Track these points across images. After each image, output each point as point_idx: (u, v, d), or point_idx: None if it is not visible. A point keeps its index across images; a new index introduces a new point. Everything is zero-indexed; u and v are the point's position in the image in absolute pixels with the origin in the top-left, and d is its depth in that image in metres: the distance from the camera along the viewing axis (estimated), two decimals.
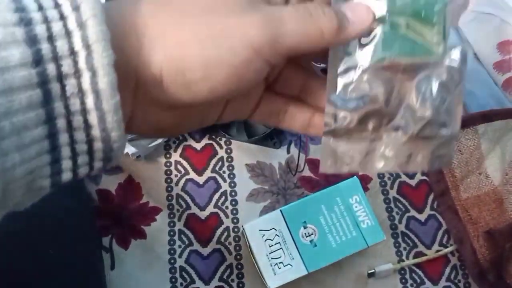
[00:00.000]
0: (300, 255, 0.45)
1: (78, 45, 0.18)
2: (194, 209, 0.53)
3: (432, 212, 0.53)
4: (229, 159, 0.54)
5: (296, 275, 0.45)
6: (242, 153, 0.54)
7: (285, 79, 0.28)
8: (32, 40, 0.18)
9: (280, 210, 0.46)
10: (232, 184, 0.54)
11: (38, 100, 0.18)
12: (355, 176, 0.47)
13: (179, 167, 0.54)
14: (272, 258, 0.45)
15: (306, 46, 0.23)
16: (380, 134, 0.27)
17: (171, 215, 0.53)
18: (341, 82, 0.26)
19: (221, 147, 0.55)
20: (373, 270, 0.50)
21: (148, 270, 0.51)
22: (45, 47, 0.18)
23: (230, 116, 0.28)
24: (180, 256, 0.51)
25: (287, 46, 0.22)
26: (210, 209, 0.53)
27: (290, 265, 0.45)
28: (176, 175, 0.54)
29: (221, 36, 0.21)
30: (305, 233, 0.45)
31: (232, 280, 0.51)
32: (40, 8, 0.18)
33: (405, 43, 0.25)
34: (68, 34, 0.18)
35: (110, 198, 0.53)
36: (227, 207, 0.53)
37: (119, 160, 0.23)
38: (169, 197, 0.53)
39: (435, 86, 0.26)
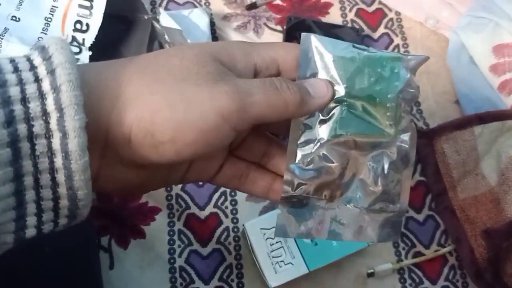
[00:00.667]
0: (301, 253, 0.45)
1: (50, 107, 0.19)
2: (194, 209, 0.53)
3: (430, 213, 0.54)
4: None
5: (297, 274, 0.45)
6: None
7: (248, 145, 0.30)
8: (5, 102, 0.18)
9: None
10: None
11: (7, 159, 0.18)
12: None
13: None
14: (273, 257, 0.45)
15: (271, 116, 0.24)
16: (334, 204, 0.29)
17: (171, 215, 0.52)
18: (300, 153, 0.28)
19: None
20: (372, 270, 0.51)
21: (148, 270, 0.51)
22: (18, 108, 0.18)
23: (193, 177, 0.29)
24: (179, 256, 0.51)
25: (254, 115, 0.24)
26: (210, 209, 0.53)
27: (291, 263, 0.45)
28: None
29: (192, 103, 0.22)
30: None
31: (232, 280, 0.51)
32: (16, 70, 0.19)
33: (361, 123, 0.28)
34: (41, 96, 0.19)
35: (110, 197, 0.52)
36: (226, 207, 0.53)
37: (84, 217, 0.24)
38: (169, 197, 0.53)
39: (386, 164, 0.29)
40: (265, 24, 0.60)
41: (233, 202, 0.53)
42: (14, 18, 0.50)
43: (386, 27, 0.61)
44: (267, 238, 0.45)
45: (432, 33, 0.60)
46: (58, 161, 0.19)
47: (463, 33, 0.58)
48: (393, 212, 0.30)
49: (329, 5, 0.61)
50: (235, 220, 0.53)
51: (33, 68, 0.19)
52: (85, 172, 0.20)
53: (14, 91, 0.18)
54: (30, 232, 0.21)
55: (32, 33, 0.51)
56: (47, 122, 0.19)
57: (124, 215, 0.52)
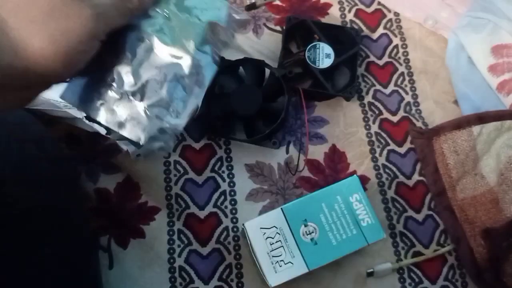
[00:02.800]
0: (301, 253, 0.45)
1: None
2: (193, 209, 0.53)
3: (430, 212, 0.54)
4: (228, 159, 0.55)
5: (297, 273, 0.45)
6: (241, 153, 0.55)
7: None
8: None
9: (281, 208, 0.46)
10: (231, 184, 0.54)
11: None
12: (355, 175, 0.48)
13: (178, 166, 0.54)
14: (273, 256, 0.45)
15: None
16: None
17: (170, 215, 0.52)
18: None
19: (220, 147, 0.55)
20: (372, 270, 0.51)
21: (147, 269, 0.50)
22: None
23: None
24: (179, 255, 0.51)
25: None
26: (209, 208, 0.53)
27: (291, 263, 0.45)
28: (175, 175, 0.54)
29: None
30: (305, 231, 0.46)
31: (232, 280, 0.51)
32: None
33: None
34: None
35: (109, 197, 0.52)
36: (226, 207, 0.53)
37: None
38: (168, 197, 0.53)
39: (177, 75, 0.33)
40: (264, 24, 0.60)
41: (232, 202, 0.53)
42: None
43: (385, 27, 0.61)
44: (267, 238, 0.45)
45: (431, 33, 0.61)
46: None
47: (462, 34, 0.58)
48: (169, 123, 0.33)
49: (328, 5, 0.61)
50: (234, 220, 0.53)
51: None
52: None
53: None
54: None
55: None
56: None
57: (124, 215, 0.52)
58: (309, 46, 0.54)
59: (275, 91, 0.53)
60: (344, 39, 0.57)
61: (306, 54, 0.54)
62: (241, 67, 0.54)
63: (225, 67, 0.52)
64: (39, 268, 0.40)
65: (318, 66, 0.54)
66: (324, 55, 0.55)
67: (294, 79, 0.54)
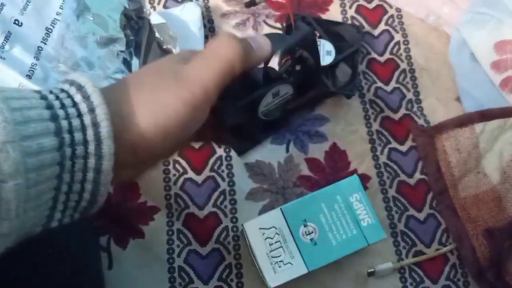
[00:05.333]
0: (300, 253, 0.45)
1: (90, 137, 0.25)
2: (193, 209, 0.52)
3: (431, 211, 0.53)
4: (228, 158, 0.54)
5: (296, 274, 0.44)
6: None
7: None
8: (58, 132, 0.24)
9: (280, 209, 0.46)
10: (231, 183, 0.53)
11: (55, 173, 0.24)
12: (355, 174, 0.47)
13: (177, 166, 0.54)
14: (272, 257, 0.45)
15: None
16: None
17: (170, 215, 0.52)
18: None
19: (219, 146, 0.55)
20: (373, 269, 0.50)
21: (147, 270, 0.50)
22: (66, 137, 0.24)
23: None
24: (178, 255, 0.51)
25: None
26: (209, 208, 0.52)
27: (291, 263, 0.44)
28: (174, 174, 0.53)
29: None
30: (305, 232, 0.45)
31: (231, 280, 0.50)
32: (62, 106, 0.25)
33: None
34: (83, 128, 0.25)
35: (108, 197, 0.52)
36: (226, 206, 0.53)
37: (100, 205, 0.28)
38: (167, 196, 0.53)
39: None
40: (264, 21, 0.59)
41: (232, 202, 0.53)
42: (16, 22, 0.50)
43: (386, 23, 0.60)
44: (266, 238, 0.45)
45: (433, 29, 0.60)
46: (91, 162, 0.25)
47: (464, 30, 0.57)
48: None
49: (329, 1, 0.61)
50: (234, 220, 0.52)
51: (75, 104, 0.25)
52: (111, 160, 0.25)
53: (64, 124, 0.24)
54: (54, 223, 0.26)
55: (33, 41, 0.51)
56: (86, 147, 0.25)
57: (123, 215, 0.52)
58: None
59: None
60: (345, 35, 0.56)
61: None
62: None
63: None
64: (44, 269, 0.40)
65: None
66: (325, 52, 0.54)
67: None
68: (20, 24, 0.50)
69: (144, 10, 0.57)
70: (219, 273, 0.51)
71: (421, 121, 0.56)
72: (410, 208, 0.53)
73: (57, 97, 0.25)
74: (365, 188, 0.54)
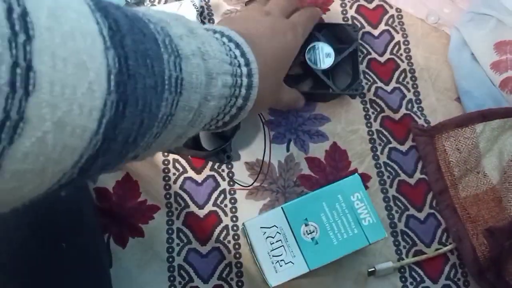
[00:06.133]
0: (301, 252, 0.45)
1: (245, 82, 0.36)
2: (193, 208, 0.52)
3: (431, 211, 0.53)
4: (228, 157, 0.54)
5: (297, 273, 0.44)
6: (241, 151, 0.54)
7: None
8: (235, 76, 0.35)
9: (282, 207, 0.46)
10: (231, 183, 0.53)
11: (231, 83, 0.35)
12: (356, 174, 0.47)
13: (177, 165, 0.54)
14: (273, 256, 0.44)
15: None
16: None
17: (169, 214, 0.52)
18: None
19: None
20: (373, 269, 0.50)
21: (146, 268, 0.50)
22: (238, 80, 0.36)
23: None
24: (178, 254, 0.51)
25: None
26: (209, 207, 0.52)
27: (292, 262, 0.44)
28: (174, 173, 0.53)
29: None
30: (306, 231, 0.45)
31: (231, 279, 0.50)
32: (239, 65, 0.36)
33: None
34: (242, 76, 0.36)
35: (108, 196, 0.52)
36: (226, 205, 0.52)
37: (248, 111, 0.38)
38: (167, 195, 0.52)
39: None
40: None
41: (232, 200, 0.53)
42: None
43: (387, 23, 0.60)
44: (267, 237, 0.45)
45: (434, 29, 0.60)
46: (243, 92, 0.37)
47: (464, 30, 0.58)
48: None
49: (329, 1, 0.61)
50: (234, 219, 0.52)
51: (247, 64, 0.36)
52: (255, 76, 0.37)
53: (236, 70, 0.35)
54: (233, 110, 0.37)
55: None
56: (241, 90, 0.36)
57: (123, 214, 0.51)
58: (308, 48, 0.53)
59: None
60: (342, 36, 0.56)
61: (306, 56, 0.53)
62: None
63: None
64: (57, 262, 0.41)
65: (320, 66, 0.53)
66: (324, 55, 0.54)
67: (293, 80, 0.53)
68: None
69: (145, 5, 0.57)
70: (219, 272, 0.50)
71: (421, 121, 0.56)
72: (410, 208, 0.53)
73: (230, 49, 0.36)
74: (366, 187, 0.53)
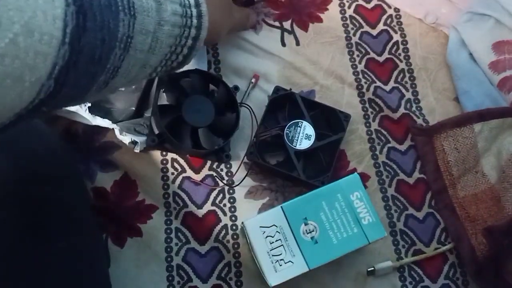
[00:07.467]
0: (301, 251, 0.44)
1: (194, 14, 0.39)
2: (191, 207, 0.52)
3: (430, 210, 0.53)
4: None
5: (297, 272, 0.44)
6: (241, 151, 0.54)
7: None
8: (184, 7, 0.38)
9: (281, 207, 0.46)
10: (230, 182, 0.53)
11: (180, 23, 0.37)
12: (355, 173, 0.47)
13: (175, 164, 0.53)
14: (273, 255, 0.44)
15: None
16: None
17: (168, 213, 0.52)
18: None
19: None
20: (372, 268, 0.50)
21: (144, 268, 0.50)
22: (188, 11, 0.38)
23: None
24: (177, 254, 0.50)
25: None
26: (208, 207, 0.52)
27: (291, 262, 0.44)
28: (172, 173, 0.53)
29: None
30: (306, 230, 0.45)
31: (230, 279, 0.50)
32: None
33: None
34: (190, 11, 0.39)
35: (106, 196, 0.51)
36: (225, 205, 0.52)
37: (199, 48, 0.40)
38: (166, 195, 0.52)
39: None
40: (263, 20, 0.59)
41: (231, 200, 0.52)
42: None
43: (385, 23, 0.60)
44: (266, 237, 0.45)
45: (432, 29, 0.60)
46: (194, 22, 0.39)
47: (463, 30, 0.58)
48: None
49: (328, 1, 0.61)
50: (233, 218, 0.52)
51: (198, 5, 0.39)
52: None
53: (187, 10, 0.38)
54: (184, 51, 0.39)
55: None
56: (192, 20, 0.39)
57: (121, 213, 0.51)
58: (290, 123, 0.51)
59: (226, 104, 0.51)
60: (332, 121, 0.53)
61: (286, 130, 0.51)
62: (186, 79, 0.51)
63: (169, 80, 0.50)
64: (54, 261, 0.41)
65: (295, 146, 0.51)
66: (303, 136, 0.51)
67: (268, 147, 0.52)
68: None
69: None
70: (218, 271, 0.50)
71: (420, 121, 0.56)
72: (409, 207, 0.53)
73: None
74: (365, 187, 0.53)
